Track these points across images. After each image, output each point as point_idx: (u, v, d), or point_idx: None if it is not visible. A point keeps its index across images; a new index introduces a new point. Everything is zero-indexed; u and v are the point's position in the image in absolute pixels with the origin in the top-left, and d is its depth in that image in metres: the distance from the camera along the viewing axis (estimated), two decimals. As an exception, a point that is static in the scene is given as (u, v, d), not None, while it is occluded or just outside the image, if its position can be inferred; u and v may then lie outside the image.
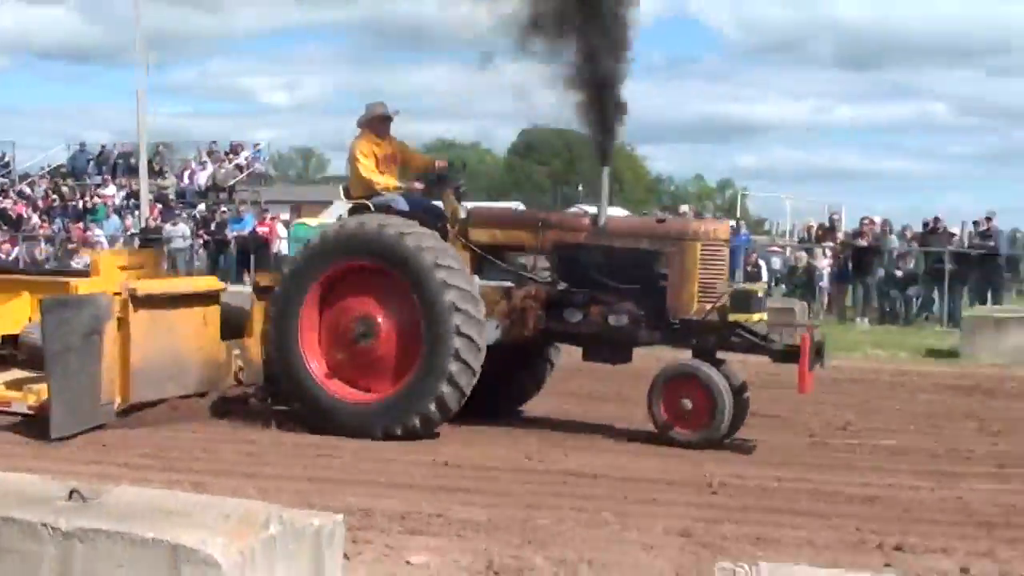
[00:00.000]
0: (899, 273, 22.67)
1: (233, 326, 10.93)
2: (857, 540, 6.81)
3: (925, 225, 23.72)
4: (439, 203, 10.94)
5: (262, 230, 27.13)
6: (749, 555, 5.94)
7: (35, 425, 9.44)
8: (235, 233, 27.47)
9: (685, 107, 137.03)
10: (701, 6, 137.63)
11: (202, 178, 35.63)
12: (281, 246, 26.62)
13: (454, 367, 9.62)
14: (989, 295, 22.08)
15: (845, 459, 9.48)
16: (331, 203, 26.53)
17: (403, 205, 10.55)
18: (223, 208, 30.71)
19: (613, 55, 10.10)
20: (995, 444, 10.38)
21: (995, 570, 6.28)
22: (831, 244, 23.92)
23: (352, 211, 10.68)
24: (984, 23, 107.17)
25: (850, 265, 23.31)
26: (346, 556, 5.27)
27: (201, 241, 28.62)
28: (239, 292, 12.11)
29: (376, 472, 8.46)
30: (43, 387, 9.46)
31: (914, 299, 22.69)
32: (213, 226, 28.75)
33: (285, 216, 30.38)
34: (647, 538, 6.69)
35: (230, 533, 3.94)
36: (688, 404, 9.69)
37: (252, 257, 26.16)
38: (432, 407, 9.67)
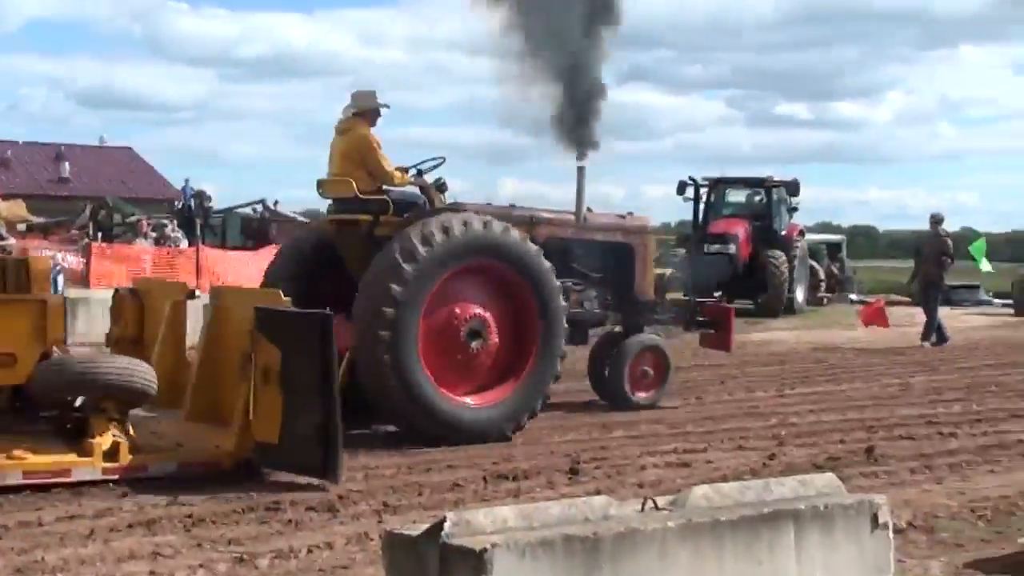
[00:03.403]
0: None
1: None
2: None
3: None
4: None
5: None
6: None
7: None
8: None
9: None
10: None
11: None
12: None
13: (559, 368, 10.25)
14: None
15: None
16: None
17: (421, 200, 10.50)
18: None
19: (591, 57, 10.84)
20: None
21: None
22: None
23: (360, 203, 10.11)
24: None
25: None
26: None
27: None
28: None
29: None
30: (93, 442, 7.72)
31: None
32: None
33: None
34: None
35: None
36: (650, 372, 11.26)
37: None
38: (538, 404, 10.01)
